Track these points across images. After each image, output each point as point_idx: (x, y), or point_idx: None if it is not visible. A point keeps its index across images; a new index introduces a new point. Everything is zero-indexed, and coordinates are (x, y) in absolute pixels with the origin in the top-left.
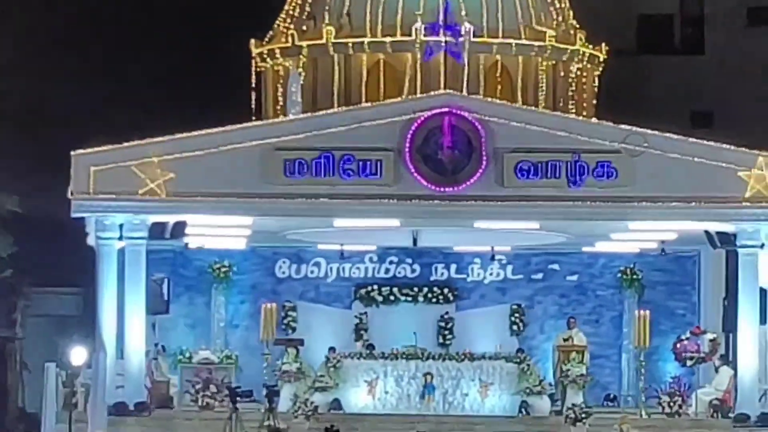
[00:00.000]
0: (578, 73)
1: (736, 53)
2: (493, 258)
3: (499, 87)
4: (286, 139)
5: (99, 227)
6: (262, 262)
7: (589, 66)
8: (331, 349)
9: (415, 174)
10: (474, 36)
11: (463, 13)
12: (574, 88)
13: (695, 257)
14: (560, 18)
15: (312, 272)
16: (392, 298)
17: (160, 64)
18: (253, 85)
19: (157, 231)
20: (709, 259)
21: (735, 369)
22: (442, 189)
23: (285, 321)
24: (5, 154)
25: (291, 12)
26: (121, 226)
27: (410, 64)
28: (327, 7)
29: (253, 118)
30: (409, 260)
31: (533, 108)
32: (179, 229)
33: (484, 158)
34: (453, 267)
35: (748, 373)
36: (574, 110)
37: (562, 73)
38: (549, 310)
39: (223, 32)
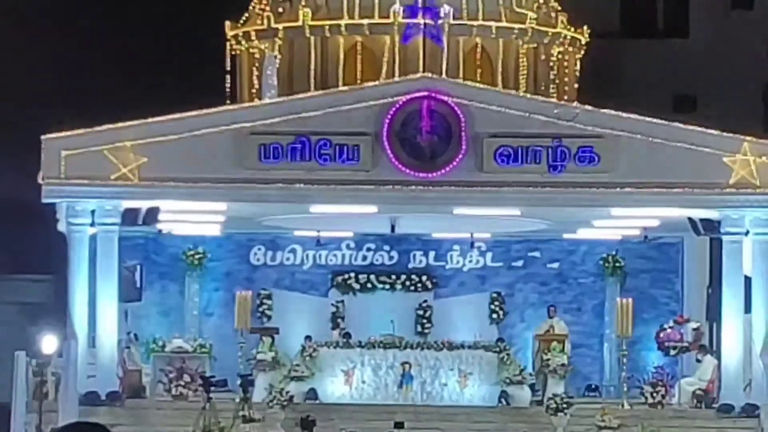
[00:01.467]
0: (559, 56)
1: (720, 36)
2: (472, 245)
3: (479, 70)
4: (261, 123)
5: (70, 213)
6: (237, 249)
7: (570, 49)
8: (307, 337)
9: (393, 159)
10: (453, 18)
11: None
12: (555, 72)
13: (679, 244)
14: (541, 0)
15: (288, 259)
16: (369, 285)
17: (131, 46)
18: (228, 68)
19: (129, 217)
20: (693, 246)
21: (719, 359)
22: (420, 174)
23: (260, 309)
24: None
25: None
26: (92, 211)
27: (388, 46)
28: None
29: (228, 101)
30: (387, 247)
31: (513, 92)
32: (152, 215)
33: (464, 143)
34: (431, 254)
35: (732, 362)
36: (555, 94)
37: (543, 57)
38: (529, 298)
39: (196, 13)
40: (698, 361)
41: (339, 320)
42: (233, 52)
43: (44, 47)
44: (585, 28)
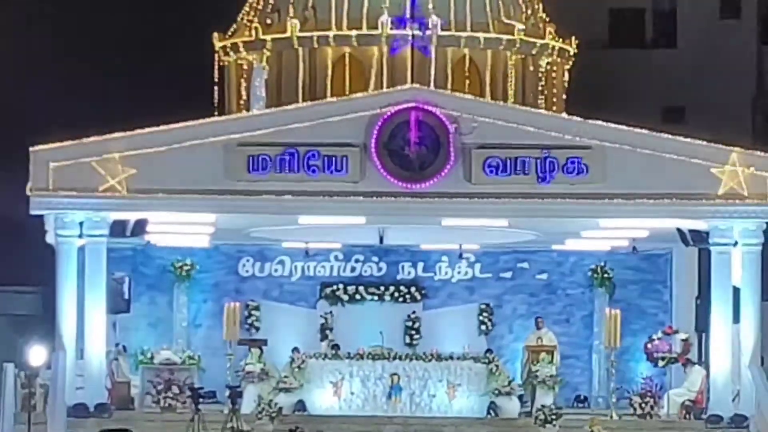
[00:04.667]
0: (548, 67)
1: (709, 47)
2: (461, 256)
3: (467, 81)
4: (249, 134)
5: (58, 224)
6: (226, 261)
7: (558, 60)
8: (296, 349)
9: (382, 170)
10: (441, 29)
11: (431, 5)
12: (543, 83)
13: (667, 255)
14: (529, 11)
15: (276, 271)
16: (358, 297)
17: (119, 57)
18: (216, 80)
19: (117, 228)
20: (682, 257)
21: (707, 369)
22: (408, 186)
23: (248, 320)
24: None
25: (255, 5)
26: (81, 223)
27: (376, 57)
28: (291, 0)
29: (216, 113)
30: (376, 258)
31: (502, 103)
32: (140, 226)
33: (452, 154)
34: (420, 265)
35: (721, 373)
36: (543, 105)
37: (531, 68)
38: (518, 309)
39: (185, 25)
40: (686, 371)
41: (327, 332)
42: (221, 64)
43: (32, 61)
44: (573, 38)
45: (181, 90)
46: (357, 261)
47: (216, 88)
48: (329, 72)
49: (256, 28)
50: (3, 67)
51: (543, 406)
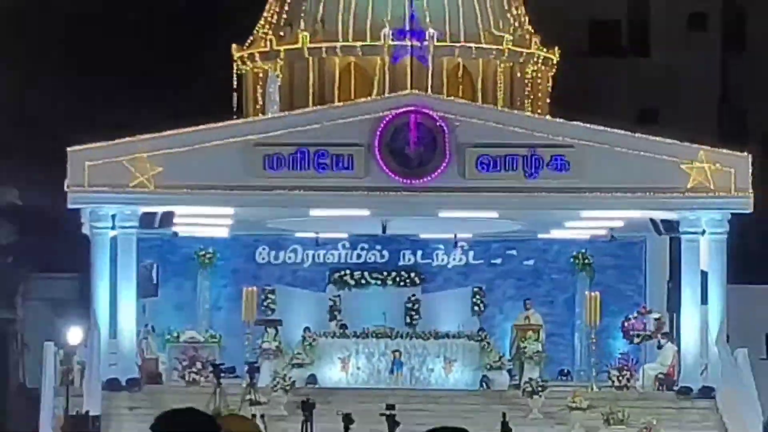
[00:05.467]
0: (533, 74)
1: (679, 55)
2: (456, 245)
3: (461, 87)
4: (265, 135)
5: (93, 217)
6: (244, 249)
7: (543, 68)
8: (307, 328)
9: (384, 167)
10: (438, 40)
11: (428, 19)
12: (529, 88)
13: (642, 243)
14: (517, 24)
15: (289, 258)
16: (363, 281)
17: (148, 67)
18: (235, 86)
19: (146, 221)
20: (655, 244)
21: (678, 346)
22: (408, 181)
23: (265, 303)
24: (5, 151)
25: (269, 19)
26: (113, 216)
27: (379, 66)
28: (302, 15)
29: (235, 116)
30: (379, 247)
31: (492, 106)
32: (167, 218)
33: (448, 153)
34: (419, 253)
35: (691, 349)
36: (529, 108)
37: (518, 74)
38: (507, 292)
39: (207, 37)
40: (660, 346)
41: (336, 313)
42: (239, 72)
43: (70, 68)
44: (556, 48)
45: (203, 96)
46: (362, 249)
47: (234, 94)
48: (336, 79)
49: (270, 40)
50: (42, 74)
51: (530, 379)
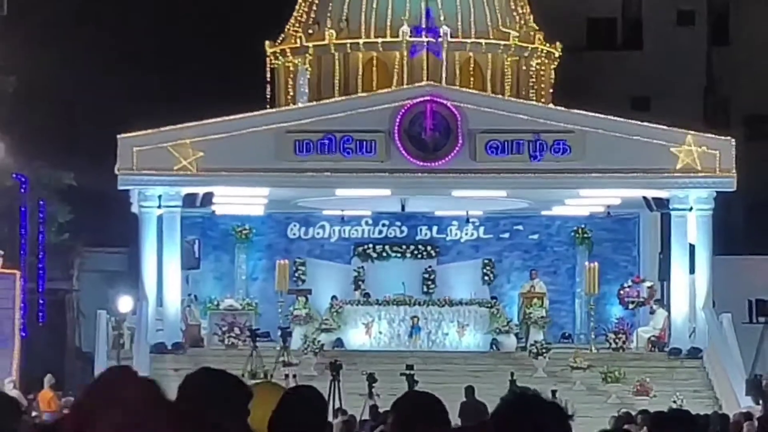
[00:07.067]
0: (537, 67)
1: (669, 49)
2: (467, 221)
3: (472, 79)
4: (295, 123)
5: (141, 198)
6: (277, 226)
7: (546, 61)
8: (334, 297)
9: (403, 151)
10: (451, 37)
11: (442, 18)
12: (534, 80)
13: (635, 219)
14: (522, 21)
15: (318, 234)
16: (384, 254)
17: (190, 61)
18: (268, 79)
19: (189, 200)
20: (647, 220)
21: (669, 311)
22: (425, 164)
23: (296, 274)
24: (62, 137)
25: (299, 18)
26: (159, 196)
27: (398, 60)
28: (329, 14)
29: (268, 106)
30: (399, 223)
31: (500, 96)
32: (207, 198)
33: (460, 138)
34: (435, 228)
35: (680, 314)
36: (534, 98)
37: (524, 67)
38: (515, 263)
39: (244, 35)
40: (652, 312)
41: (360, 283)
42: (272, 66)
43: (123, 62)
44: (558, 43)
45: (240, 87)
46: (383, 225)
47: (268, 86)
48: (360, 72)
49: (300, 37)
50: (96, 68)
51: (535, 341)
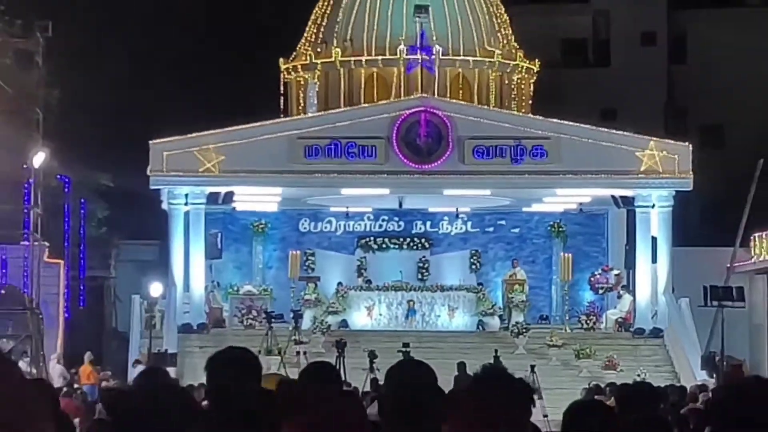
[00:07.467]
0: (518, 81)
1: (633, 65)
2: (457, 216)
3: (461, 91)
4: (306, 130)
5: (170, 196)
6: (289, 221)
7: (526, 76)
8: (340, 283)
9: (400, 155)
10: (442, 55)
11: (435, 38)
12: (515, 93)
13: (604, 214)
14: (505, 41)
15: (325, 228)
16: (384, 246)
17: (212, 75)
18: (282, 92)
19: (212, 198)
20: (615, 216)
21: (634, 296)
22: (419, 166)
23: (306, 263)
24: (101, 143)
25: (309, 38)
26: (186, 195)
27: (396, 75)
28: (335, 35)
29: (282, 115)
30: (396, 218)
31: (486, 107)
32: (228, 197)
33: (450, 143)
34: (428, 223)
35: (643, 298)
36: (515, 108)
37: (506, 81)
38: (498, 254)
39: (261, 53)
40: (619, 297)
41: (362, 271)
42: (285, 80)
43: (154, 80)
44: (536, 60)
45: (257, 99)
46: (383, 220)
47: (282, 97)
48: (362, 85)
49: (310, 55)
50: (129, 80)
51: (516, 322)
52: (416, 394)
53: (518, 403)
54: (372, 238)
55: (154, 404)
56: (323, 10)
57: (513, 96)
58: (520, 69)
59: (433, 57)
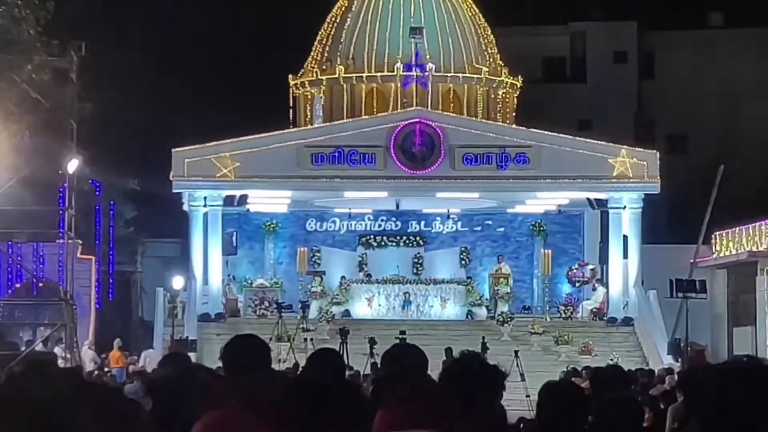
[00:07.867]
0: (503, 95)
1: (607, 81)
2: (448, 217)
3: (452, 104)
4: (312, 140)
5: (190, 199)
6: (298, 221)
7: (510, 91)
8: (343, 277)
9: (397, 162)
10: (435, 71)
11: (428, 57)
12: (500, 106)
13: (581, 215)
14: (491, 60)
15: (330, 227)
16: (383, 243)
17: (231, 89)
18: (291, 105)
19: (228, 201)
20: (590, 216)
21: (607, 288)
22: (415, 172)
23: (313, 259)
24: (129, 150)
25: (315, 57)
26: (204, 198)
27: (394, 90)
28: (339, 54)
29: (291, 126)
30: (394, 218)
31: (474, 118)
32: (243, 199)
33: (443, 151)
34: (422, 223)
35: (616, 290)
36: (501, 120)
37: (492, 96)
38: (485, 250)
39: (272, 70)
40: (594, 289)
41: (363, 266)
42: (294, 95)
43: (177, 94)
44: (519, 77)
45: (269, 111)
46: (382, 220)
47: (291, 110)
48: (363, 99)
49: (316, 72)
50: (155, 93)
51: (502, 312)
52: (406, 370)
53: (490, 386)
54: (372, 236)
55: (187, 386)
56: (328, 32)
57: (498, 109)
58: (505, 84)
59: (427, 74)
